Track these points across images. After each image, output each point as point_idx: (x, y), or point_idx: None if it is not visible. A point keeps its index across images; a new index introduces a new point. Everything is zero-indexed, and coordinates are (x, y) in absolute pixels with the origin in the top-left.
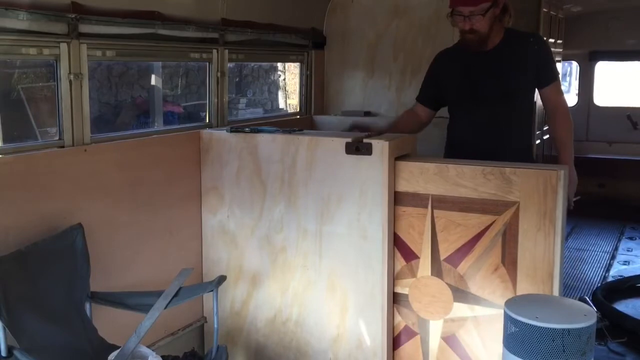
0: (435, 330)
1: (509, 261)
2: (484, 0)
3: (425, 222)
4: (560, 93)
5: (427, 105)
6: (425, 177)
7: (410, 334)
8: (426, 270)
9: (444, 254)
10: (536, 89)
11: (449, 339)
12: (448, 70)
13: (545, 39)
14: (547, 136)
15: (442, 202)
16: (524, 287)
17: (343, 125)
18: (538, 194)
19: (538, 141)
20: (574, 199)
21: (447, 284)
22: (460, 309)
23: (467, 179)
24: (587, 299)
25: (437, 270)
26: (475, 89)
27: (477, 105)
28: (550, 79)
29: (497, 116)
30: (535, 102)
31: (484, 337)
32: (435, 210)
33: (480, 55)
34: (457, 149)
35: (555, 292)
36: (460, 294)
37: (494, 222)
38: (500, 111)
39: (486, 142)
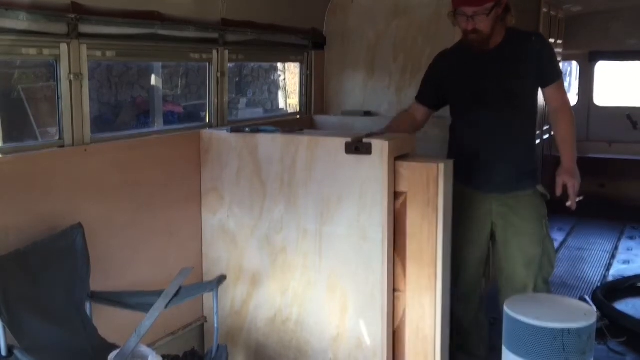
0: None
1: (400, 247)
2: (487, 0)
3: None
4: (564, 92)
5: (426, 105)
6: None
7: None
8: None
9: None
10: (539, 88)
11: None
12: (449, 71)
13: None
14: (547, 136)
15: None
16: (412, 271)
17: (344, 126)
18: (422, 186)
19: (538, 141)
20: (577, 199)
21: None
22: None
23: None
24: (587, 299)
25: None
26: (478, 89)
27: (480, 106)
28: (553, 78)
29: (500, 116)
30: (538, 102)
31: None
32: None
33: (482, 56)
34: (460, 150)
35: (439, 275)
36: None
37: None
38: (502, 111)
39: (489, 142)
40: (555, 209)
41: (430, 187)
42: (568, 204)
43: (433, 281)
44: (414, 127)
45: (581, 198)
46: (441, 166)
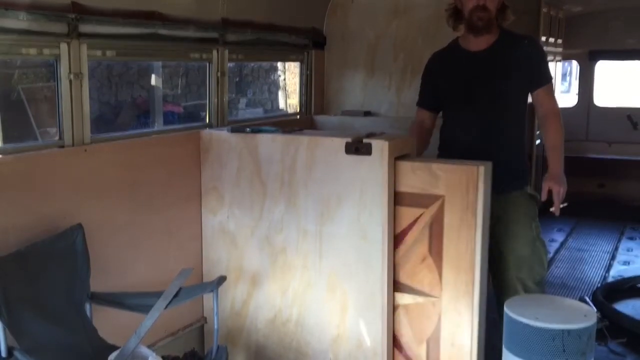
0: None
1: (435, 252)
2: None
3: None
4: (552, 97)
5: (429, 109)
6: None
7: None
8: None
9: None
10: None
11: None
12: (442, 72)
13: (540, 41)
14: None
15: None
16: (449, 277)
17: (344, 126)
18: (461, 189)
19: (538, 141)
20: (562, 206)
21: None
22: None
23: (400, 174)
24: (587, 299)
25: None
26: (468, 89)
27: (470, 106)
28: (542, 82)
29: (489, 117)
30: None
31: (412, 323)
32: None
33: (474, 56)
34: (449, 150)
35: (477, 282)
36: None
37: (422, 214)
38: (492, 112)
39: (478, 142)
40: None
41: (469, 190)
42: (552, 209)
43: (470, 288)
44: (430, 134)
45: (566, 204)
46: (481, 169)
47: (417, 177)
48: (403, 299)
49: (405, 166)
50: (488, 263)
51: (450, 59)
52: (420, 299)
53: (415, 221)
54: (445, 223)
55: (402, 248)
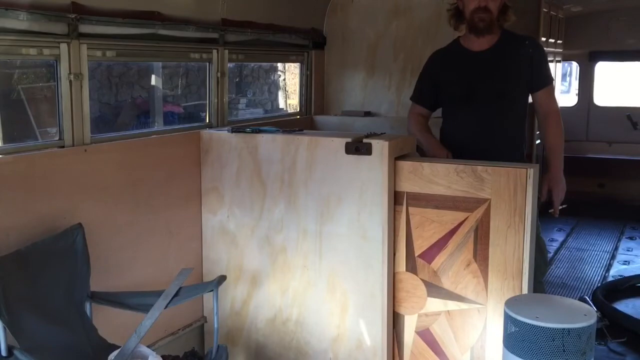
0: (410, 324)
1: (480, 257)
2: None
3: (400, 219)
4: (553, 98)
5: (424, 106)
6: (400, 175)
7: None
8: (401, 266)
9: (418, 250)
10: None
11: (423, 333)
12: (443, 70)
13: (541, 42)
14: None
15: (416, 200)
16: (495, 283)
17: (344, 126)
18: (508, 192)
19: (538, 141)
20: (560, 207)
21: (421, 279)
22: (434, 304)
23: (441, 177)
24: (587, 299)
25: (411, 266)
26: (469, 89)
27: (470, 106)
28: (543, 83)
29: (489, 117)
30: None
31: (456, 331)
32: (410, 208)
33: (476, 55)
34: (450, 148)
35: (525, 288)
36: (434, 289)
37: (466, 218)
38: (492, 112)
39: (477, 142)
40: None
41: (517, 193)
42: (550, 211)
43: (518, 294)
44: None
45: (565, 206)
46: (530, 171)
47: (461, 179)
48: (446, 305)
49: (449, 169)
50: None
51: (451, 58)
52: (464, 306)
53: (459, 225)
54: (491, 227)
55: (444, 253)
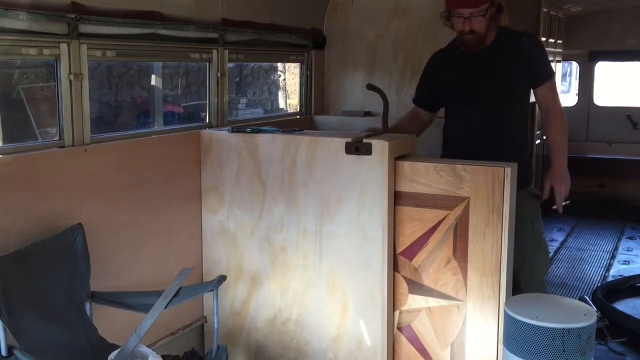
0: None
1: (460, 254)
2: (483, 1)
3: None
4: (555, 93)
5: (425, 108)
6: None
7: None
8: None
9: (399, 247)
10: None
11: (405, 330)
12: (443, 71)
13: (539, 38)
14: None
15: (398, 198)
16: (474, 280)
17: (344, 126)
18: (486, 190)
19: (538, 141)
20: (564, 203)
21: (402, 276)
22: (415, 301)
23: (421, 175)
24: (587, 299)
25: (393, 264)
26: (469, 88)
27: (471, 105)
28: (543, 78)
29: (491, 115)
30: (532, 102)
31: (436, 327)
32: (393, 206)
33: (474, 55)
34: (452, 149)
35: (503, 285)
36: (415, 286)
37: (446, 216)
38: (494, 110)
39: (480, 141)
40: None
41: (495, 191)
42: (554, 207)
43: (497, 291)
44: (422, 126)
45: (568, 202)
46: (507, 170)
47: (440, 178)
48: (427, 302)
49: (428, 167)
50: None
51: (451, 59)
52: (444, 302)
53: (438, 223)
54: (470, 225)
55: (425, 250)
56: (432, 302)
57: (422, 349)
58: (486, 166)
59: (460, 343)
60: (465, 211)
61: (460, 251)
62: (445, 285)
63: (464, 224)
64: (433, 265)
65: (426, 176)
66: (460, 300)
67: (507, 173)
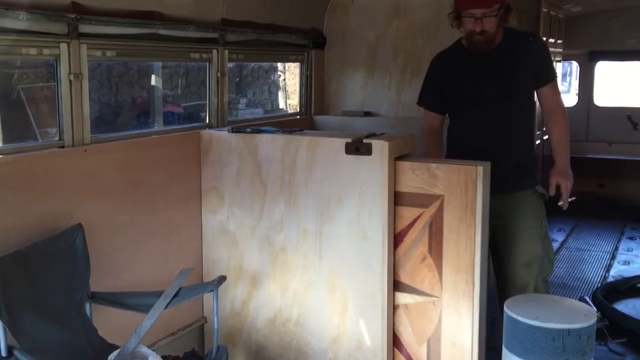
0: None
1: (435, 251)
2: (496, 1)
3: None
4: (558, 93)
5: (436, 111)
6: None
7: None
8: None
9: None
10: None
11: None
12: (448, 73)
13: (544, 39)
14: (547, 137)
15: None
16: (449, 276)
17: (344, 126)
18: (460, 188)
19: (538, 141)
20: (570, 199)
21: None
22: (394, 297)
23: (398, 174)
24: (587, 299)
25: None
26: (475, 89)
27: (477, 106)
28: (547, 79)
29: (497, 116)
30: (536, 102)
31: (413, 323)
32: None
33: (480, 56)
34: (458, 150)
35: (477, 281)
36: (394, 283)
37: (421, 214)
38: (500, 111)
39: (486, 142)
40: (557, 210)
41: (468, 190)
42: (560, 203)
43: (471, 287)
44: (441, 136)
45: (574, 198)
46: (480, 169)
47: (416, 177)
48: (404, 298)
49: (404, 166)
50: (496, 262)
51: (455, 60)
52: (420, 299)
53: (414, 221)
54: (444, 223)
55: (402, 248)
56: (409, 298)
57: (399, 345)
58: (459, 165)
59: (437, 339)
60: (440, 209)
61: (435, 248)
62: (421, 282)
63: (439, 222)
64: (410, 262)
65: (403, 175)
66: (436, 297)
67: (480, 172)
